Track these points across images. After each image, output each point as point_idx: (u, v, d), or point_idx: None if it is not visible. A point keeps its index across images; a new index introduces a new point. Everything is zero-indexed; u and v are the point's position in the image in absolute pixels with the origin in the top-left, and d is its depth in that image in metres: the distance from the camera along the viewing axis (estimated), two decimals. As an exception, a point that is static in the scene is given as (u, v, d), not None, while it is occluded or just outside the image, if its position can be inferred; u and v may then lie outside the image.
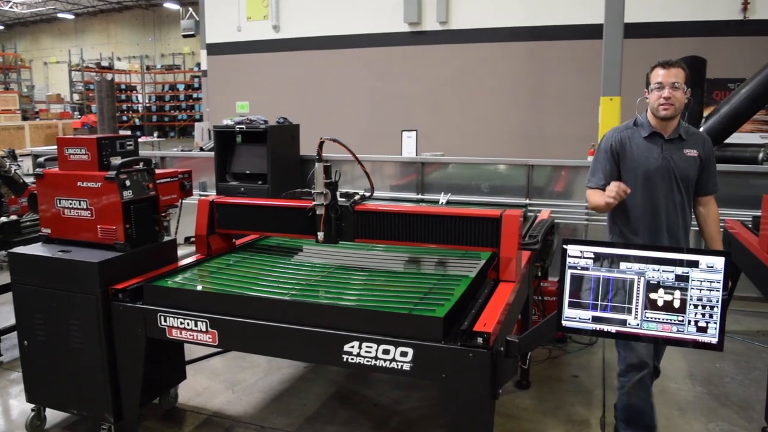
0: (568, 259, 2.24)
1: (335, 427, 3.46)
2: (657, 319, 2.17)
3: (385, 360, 2.52)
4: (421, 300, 2.75)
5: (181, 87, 28.11)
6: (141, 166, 3.31)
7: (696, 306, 2.13)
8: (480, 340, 2.42)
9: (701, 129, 6.31)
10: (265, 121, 5.82)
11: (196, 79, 25.86)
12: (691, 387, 3.91)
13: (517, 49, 10.98)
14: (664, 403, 3.67)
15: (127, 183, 3.17)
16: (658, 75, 2.92)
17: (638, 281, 2.19)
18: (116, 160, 3.24)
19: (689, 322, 2.14)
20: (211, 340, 2.81)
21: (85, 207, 3.20)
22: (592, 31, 9.77)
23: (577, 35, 10.31)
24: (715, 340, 2.10)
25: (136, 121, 27.02)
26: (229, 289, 2.93)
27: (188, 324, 2.83)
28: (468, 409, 2.46)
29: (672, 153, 2.98)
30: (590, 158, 8.29)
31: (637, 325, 2.19)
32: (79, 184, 3.19)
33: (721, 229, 3.22)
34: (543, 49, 10.80)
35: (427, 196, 6.11)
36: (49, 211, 3.31)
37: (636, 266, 2.19)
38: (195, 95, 26.59)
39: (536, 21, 10.72)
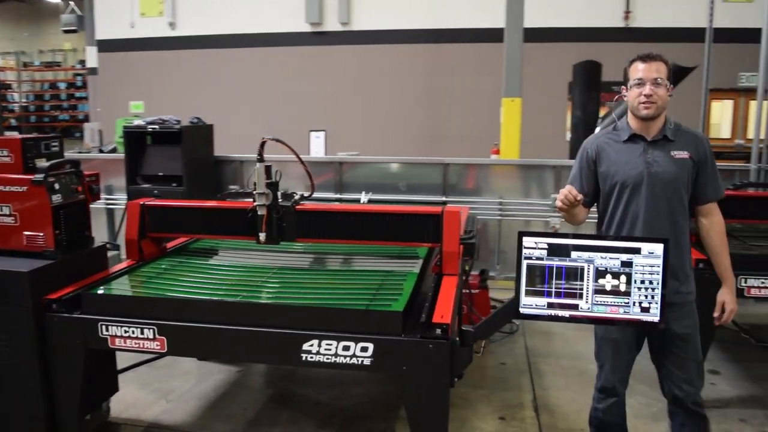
0: (524, 250, 2.39)
1: (279, 428, 3.43)
2: (605, 303, 2.36)
3: (345, 356, 2.55)
4: (374, 296, 2.80)
5: (62, 85, 26.31)
6: (69, 168, 3.14)
7: (639, 288, 2.34)
8: (438, 331, 2.51)
9: (597, 129, 6.72)
10: (178, 121, 5.63)
11: (80, 77, 24.33)
12: (608, 367, 4.23)
13: (418, 51, 11.26)
14: (588, 385, 3.95)
15: (56, 186, 2.99)
16: (638, 70, 2.60)
17: (588, 268, 2.37)
18: (41, 162, 3.06)
19: (634, 303, 2.35)
20: (159, 347, 2.71)
21: (7, 213, 2.98)
22: (491, 35, 10.23)
23: (477, 38, 10.74)
24: (656, 319, 2.32)
25: (12, 121, 24.98)
26: (175, 294, 2.85)
27: (133, 332, 2.71)
28: (427, 399, 2.55)
29: (656, 157, 2.62)
30: (494, 156, 8.71)
31: (588, 309, 2.37)
32: (0, 188, 2.97)
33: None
34: (444, 51, 11.15)
35: (345, 196, 6.16)
36: (-36, 218, 3.05)
37: (585, 255, 2.38)
38: (78, 94, 25.00)
39: (437, 24, 11.05)
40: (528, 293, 2.40)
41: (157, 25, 11.33)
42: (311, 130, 8.87)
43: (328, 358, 2.56)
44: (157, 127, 5.44)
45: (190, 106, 10.85)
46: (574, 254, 2.38)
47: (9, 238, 3.00)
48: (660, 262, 2.30)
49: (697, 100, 6.43)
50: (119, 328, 2.72)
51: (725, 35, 9.95)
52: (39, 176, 2.92)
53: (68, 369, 2.83)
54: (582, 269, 2.37)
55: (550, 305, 2.40)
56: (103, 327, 2.74)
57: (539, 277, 2.40)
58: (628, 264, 2.35)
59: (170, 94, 11.35)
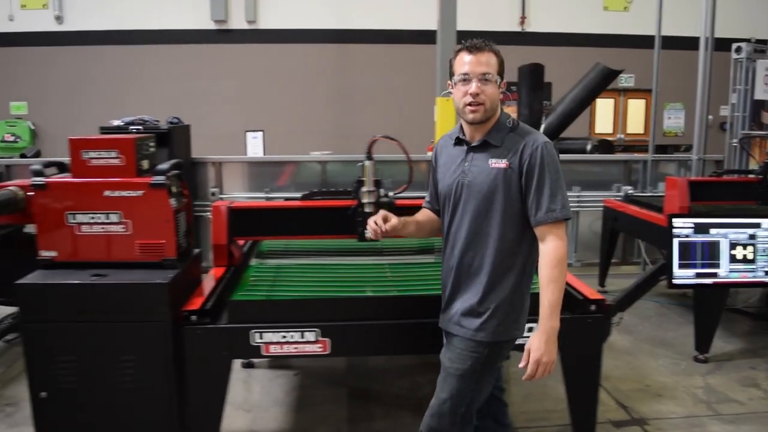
0: (674, 230, 2.68)
1: (381, 423, 3.44)
2: (737, 270, 2.74)
3: (512, 338, 2.68)
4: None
5: None
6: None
7: (763, 256, 2.75)
8: (593, 307, 2.74)
9: (543, 127, 7.25)
10: (157, 122, 5.27)
11: None
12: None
13: (327, 51, 11.27)
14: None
15: (174, 189, 2.79)
16: (464, 63, 2.11)
17: (723, 242, 2.73)
18: (146, 164, 2.84)
19: (758, 269, 2.75)
20: (321, 349, 2.66)
21: (116, 221, 2.72)
22: (400, 36, 10.60)
23: (385, 40, 11.01)
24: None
25: None
26: (325, 294, 2.80)
27: (293, 336, 2.63)
28: (584, 369, 2.77)
29: (473, 165, 2.21)
30: (429, 154, 9.04)
31: (725, 275, 2.73)
32: (107, 193, 2.70)
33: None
34: (352, 51, 11.26)
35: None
36: (55, 229, 2.73)
37: (721, 231, 2.73)
38: None
39: (345, 24, 11.14)
40: (680, 266, 2.71)
41: (41, 19, 10.23)
42: (247, 131, 8.63)
43: (495, 342, 2.67)
44: (141, 127, 5.05)
45: (86, 107, 10.04)
46: (712, 231, 2.72)
47: (117, 248, 2.73)
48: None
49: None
50: (275, 334, 2.63)
51: (607, 41, 11.26)
52: (159, 179, 2.71)
53: (213, 385, 2.69)
54: (718, 243, 2.72)
55: (698, 275, 2.73)
56: (257, 335, 2.62)
57: (688, 252, 2.71)
58: (753, 236, 2.74)
59: (58, 94, 10.36)
